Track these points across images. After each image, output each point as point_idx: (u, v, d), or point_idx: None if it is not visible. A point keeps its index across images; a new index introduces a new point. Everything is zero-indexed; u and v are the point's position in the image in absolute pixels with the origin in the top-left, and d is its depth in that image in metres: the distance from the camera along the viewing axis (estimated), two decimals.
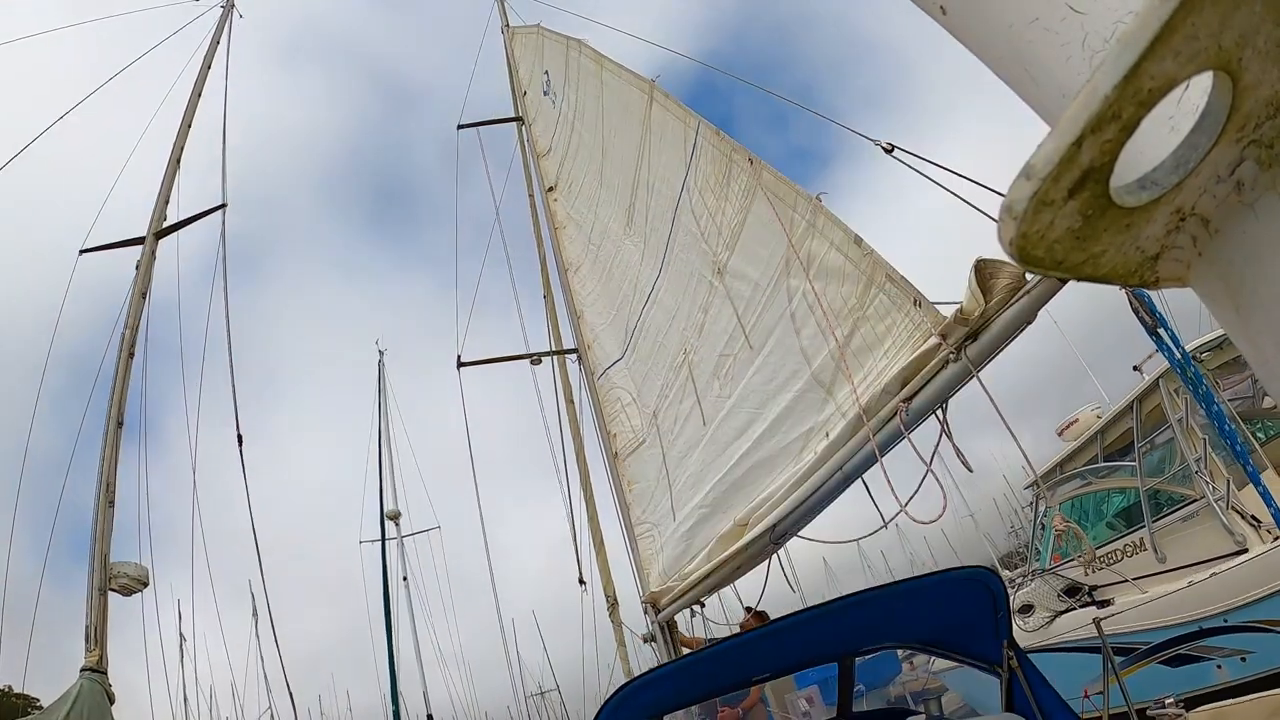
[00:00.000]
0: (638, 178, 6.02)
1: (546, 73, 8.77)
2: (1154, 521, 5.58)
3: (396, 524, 21.49)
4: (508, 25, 10.90)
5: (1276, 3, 0.38)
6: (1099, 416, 7.28)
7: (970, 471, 3.06)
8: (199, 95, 9.20)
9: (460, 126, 10.50)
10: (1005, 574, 8.71)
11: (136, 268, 7.36)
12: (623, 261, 6.37)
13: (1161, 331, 2.30)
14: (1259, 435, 6.02)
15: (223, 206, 8.31)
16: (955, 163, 3.25)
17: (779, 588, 4.79)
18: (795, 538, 4.11)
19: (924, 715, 3.37)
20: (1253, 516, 4.78)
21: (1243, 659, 4.47)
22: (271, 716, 18.80)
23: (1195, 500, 5.17)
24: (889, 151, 3.93)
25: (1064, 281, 2.40)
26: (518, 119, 9.84)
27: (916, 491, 3.20)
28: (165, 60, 9.68)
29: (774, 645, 2.75)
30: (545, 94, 8.85)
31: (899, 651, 11.26)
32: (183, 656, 20.02)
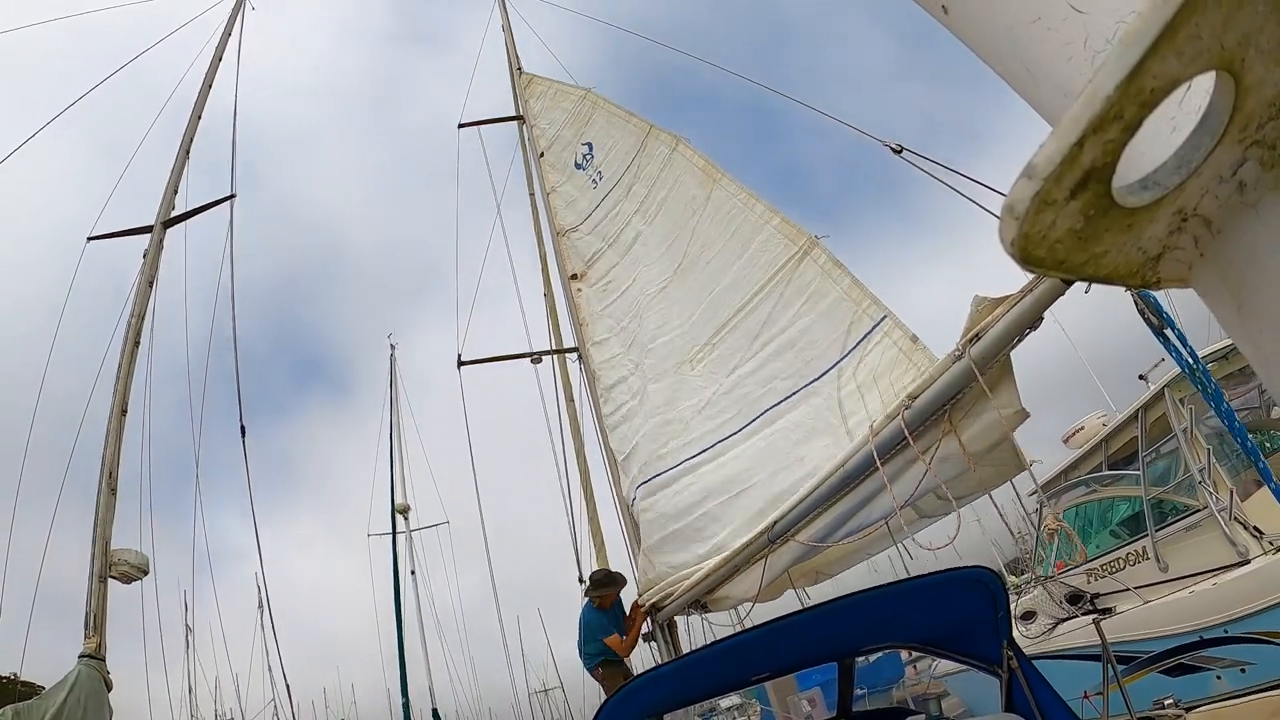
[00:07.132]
0: (748, 315, 5.13)
1: (589, 144, 7.71)
2: (1157, 531, 5.52)
3: (405, 518, 21.44)
4: (508, 24, 10.88)
5: (1279, 3, 0.38)
6: (1104, 424, 7.18)
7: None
8: (209, 87, 9.17)
9: (461, 125, 10.54)
10: (1011, 580, 8.63)
11: (144, 256, 7.36)
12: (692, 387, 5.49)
13: (1169, 333, 2.26)
14: (1265, 446, 5.92)
15: (232, 197, 8.25)
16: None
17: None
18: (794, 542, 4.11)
19: (924, 716, 3.37)
20: (1255, 527, 4.74)
21: (1242, 670, 4.44)
22: (275, 708, 18.81)
23: (1198, 510, 5.11)
24: (898, 153, 3.94)
25: (1068, 284, 2.39)
26: (518, 118, 9.80)
27: (918, 492, 3.21)
28: (181, 49, 9.67)
29: (774, 645, 2.75)
30: (579, 168, 7.76)
31: (901, 654, 11.25)
32: (188, 648, 20.05)
